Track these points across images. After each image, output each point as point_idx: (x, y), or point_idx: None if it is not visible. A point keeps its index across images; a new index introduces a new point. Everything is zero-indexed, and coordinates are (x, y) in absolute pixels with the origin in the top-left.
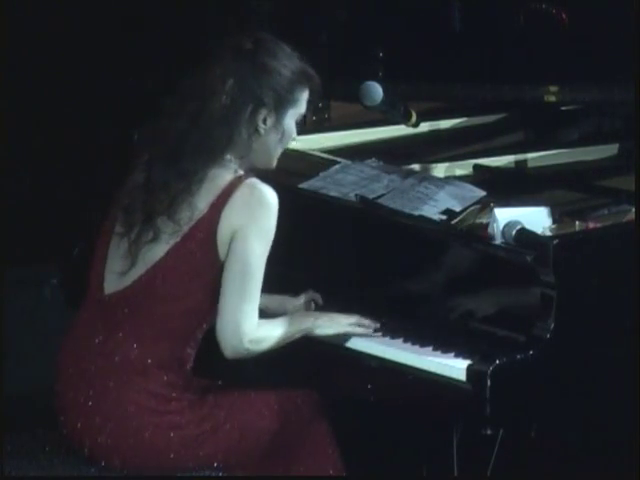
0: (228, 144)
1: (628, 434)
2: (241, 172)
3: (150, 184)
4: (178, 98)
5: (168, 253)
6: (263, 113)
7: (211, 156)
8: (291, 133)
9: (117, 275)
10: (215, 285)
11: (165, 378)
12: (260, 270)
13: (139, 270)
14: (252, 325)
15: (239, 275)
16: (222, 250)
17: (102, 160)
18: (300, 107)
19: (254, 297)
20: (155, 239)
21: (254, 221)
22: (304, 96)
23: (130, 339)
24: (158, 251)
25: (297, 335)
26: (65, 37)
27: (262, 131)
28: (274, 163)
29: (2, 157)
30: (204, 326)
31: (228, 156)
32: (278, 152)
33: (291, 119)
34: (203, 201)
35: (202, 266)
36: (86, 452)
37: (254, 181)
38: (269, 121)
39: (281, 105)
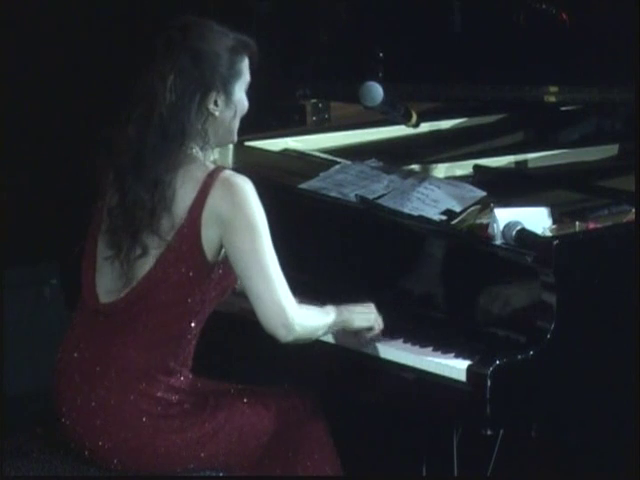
0: (183, 139)
1: (628, 434)
2: (211, 166)
3: (125, 203)
4: (126, 106)
5: (156, 265)
6: (213, 96)
7: (171, 157)
8: (244, 104)
9: (111, 292)
10: (210, 282)
11: (169, 382)
12: (269, 252)
13: (132, 283)
14: (290, 300)
15: (251, 265)
16: (209, 250)
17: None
18: (245, 76)
19: (278, 276)
20: (144, 254)
21: (239, 214)
22: (245, 65)
23: (130, 346)
24: (148, 263)
25: (338, 323)
26: (65, 36)
27: (217, 113)
28: (235, 137)
29: (2, 157)
30: (203, 322)
31: (190, 149)
32: (236, 125)
33: (240, 91)
34: (181, 207)
35: (192, 271)
36: (86, 454)
37: (226, 175)
38: (220, 102)
39: (228, 83)
